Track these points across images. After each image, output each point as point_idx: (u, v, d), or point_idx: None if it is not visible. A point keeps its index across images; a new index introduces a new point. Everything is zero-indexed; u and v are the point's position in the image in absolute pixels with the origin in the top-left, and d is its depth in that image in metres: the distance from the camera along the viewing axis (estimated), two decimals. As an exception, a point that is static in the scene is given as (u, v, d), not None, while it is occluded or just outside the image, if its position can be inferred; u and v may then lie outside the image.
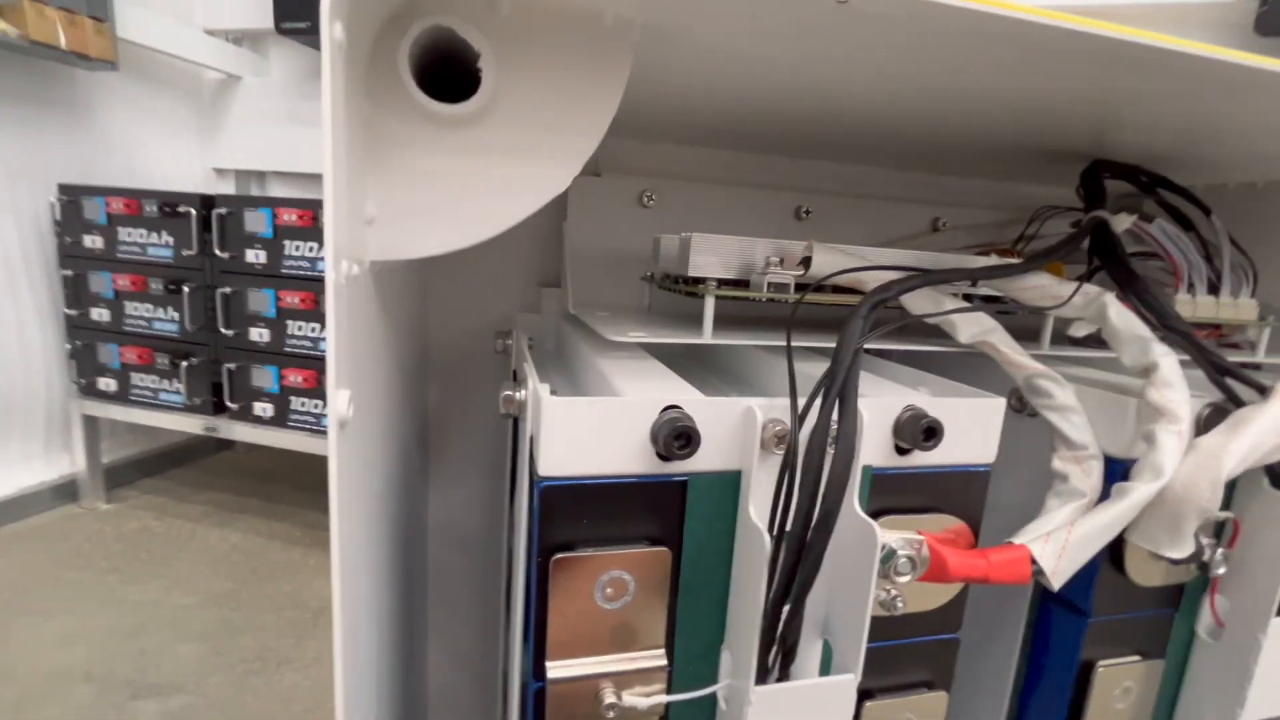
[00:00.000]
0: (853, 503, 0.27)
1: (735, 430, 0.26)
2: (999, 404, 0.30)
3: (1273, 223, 0.53)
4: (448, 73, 0.24)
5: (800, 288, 0.35)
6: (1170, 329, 0.34)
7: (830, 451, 0.25)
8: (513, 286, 0.53)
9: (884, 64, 0.31)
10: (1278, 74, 0.28)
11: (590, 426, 0.25)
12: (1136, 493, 0.30)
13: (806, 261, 0.35)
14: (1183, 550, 0.31)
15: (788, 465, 0.24)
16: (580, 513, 0.26)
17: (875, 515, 0.30)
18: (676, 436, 0.25)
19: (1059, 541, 0.29)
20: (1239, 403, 0.33)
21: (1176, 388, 0.31)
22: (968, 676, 0.42)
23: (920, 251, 0.38)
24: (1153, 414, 0.31)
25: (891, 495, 0.30)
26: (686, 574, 0.27)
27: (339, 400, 0.18)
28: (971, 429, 0.30)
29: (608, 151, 0.52)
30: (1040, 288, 0.36)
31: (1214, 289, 0.44)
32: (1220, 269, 0.45)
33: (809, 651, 0.30)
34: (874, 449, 0.29)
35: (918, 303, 0.35)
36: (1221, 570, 0.33)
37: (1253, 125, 0.39)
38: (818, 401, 0.25)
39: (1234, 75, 0.29)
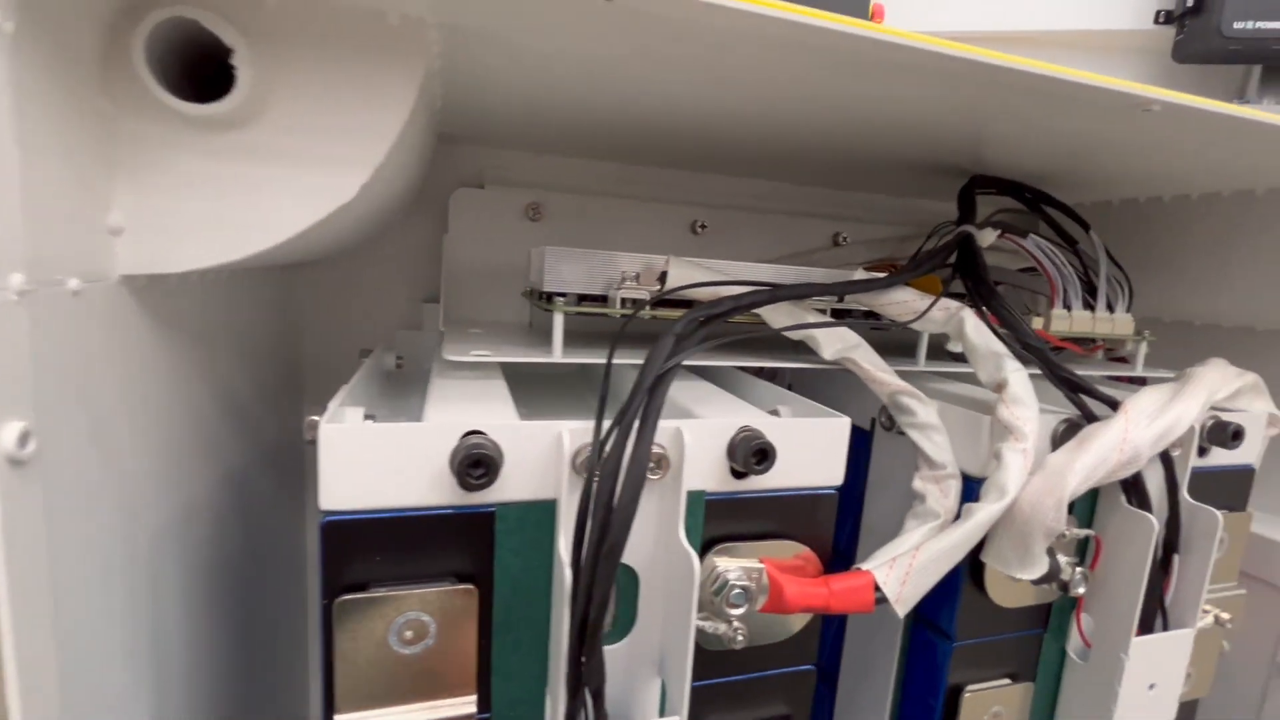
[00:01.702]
0: (677, 532, 0.26)
1: (547, 456, 0.25)
2: (843, 424, 0.29)
3: (1156, 237, 0.54)
4: (221, 72, 0.22)
5: (661, 303, 0.34)
6: (1025, 345, 0.34)
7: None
8: (396, 301, 0.51)
9: (722, 73, 0.30)
10: (1128, 94, 0.28)
11: (380, 455, 0.23)
12: (980, 514, 0.29)
13: (664, 276, 0.34)
14: (1033, 571, 0.30)
15: (586, 494, 0.22)
16: (371, 550, 0.24)
17: (712, 543, 0.28)
18: (473, 464, 0.23)
19: (904, 567, 0.28)
20: (1091, 418, 0.33)
21: (1025, 404, 0.30)
22: (850, 707, 0.40)
23: (789, 266, 0.37)
24: (1002, 432, 0.31)
25: (729, 521, 0.28)
26: (501, 613, 0.25)
27: (5, 435, 0.16)
28: (815, 450, 0.29)
29: (493, 162, 0.50)
30: (903, 303, 0.35)
31: (1091, 305, 0.45)
32: (1116, 284, 0.45)
33: (647, 692, 0.28)
34: (707, 473, 0.27)
35: (777, 318, 0.34)
36: (1081, 590, 0.33)
37: (1122, 145, 0.39)
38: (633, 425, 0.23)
39: (1092, 97, 0.28)
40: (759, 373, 0.44)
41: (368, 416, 0.27)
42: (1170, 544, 0.35)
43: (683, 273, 0.34)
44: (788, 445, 0.28)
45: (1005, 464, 0.29)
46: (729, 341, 0.35)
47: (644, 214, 0.52)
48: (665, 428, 0.26)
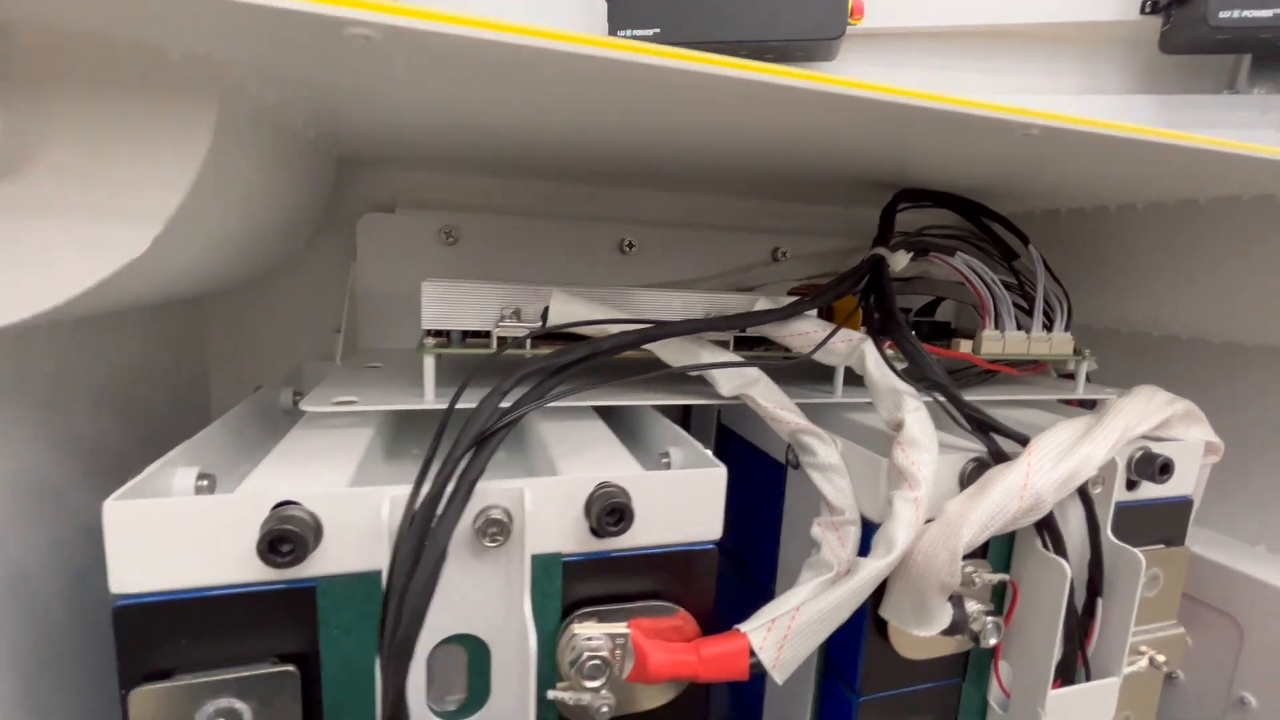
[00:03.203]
0: (522, 603, 0.24)
1: (372, 526, 0.23)
2: (718, 474, 0.27)
3: (1105, 246, 0.52)
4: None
5: (549, 338, 0.32)
6: (928, 380, 0.32)
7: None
8: (311, 331, 0.49)
9: (627, 106, 0.27)
10: (1005, 119, 0.26)
11: (179, 532, 0.21)
12: (865, 570, 0.27)
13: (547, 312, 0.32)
14: (931, 626, 0.28)
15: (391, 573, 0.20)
16: (174, 634, 0.22)
17: (574, 608, 0.26)
18: (277, 541, 0.21)
19: (783, 629, 0.26)
20: (1000, 457, 0.30)
21: (921, 448, 0.28)
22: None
23: (697, 295, 0.35)
24: (897, 477, 0.28)
25: (594, 583, 0.26)
26: (331, 694, 0.23)
27: None
28: (690, 503, 0.27)
29: (407, 184, 0.48)
30: (804, 334, 0.33)
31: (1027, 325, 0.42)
32: (1054, 302, 0.43)
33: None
34: (563, 533, 0.25)
35: (671, 355, 0.32)
36: (993, 640, 0.31)
37: (1041, 161, 0.37)
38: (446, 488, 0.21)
39: (972, 124, 0.26)
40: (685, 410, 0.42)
41: (203, 476, 0.26)
42: (1094, 587, 0.33)
43: (566, 308, 0.32)
44: (657, 499, 0.26)
45: (895, 514, 0.27)
46: (647, 376, 0.33)
47: (568, 234, 0.50)
48: (507, 489, 0.24)
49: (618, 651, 0.26)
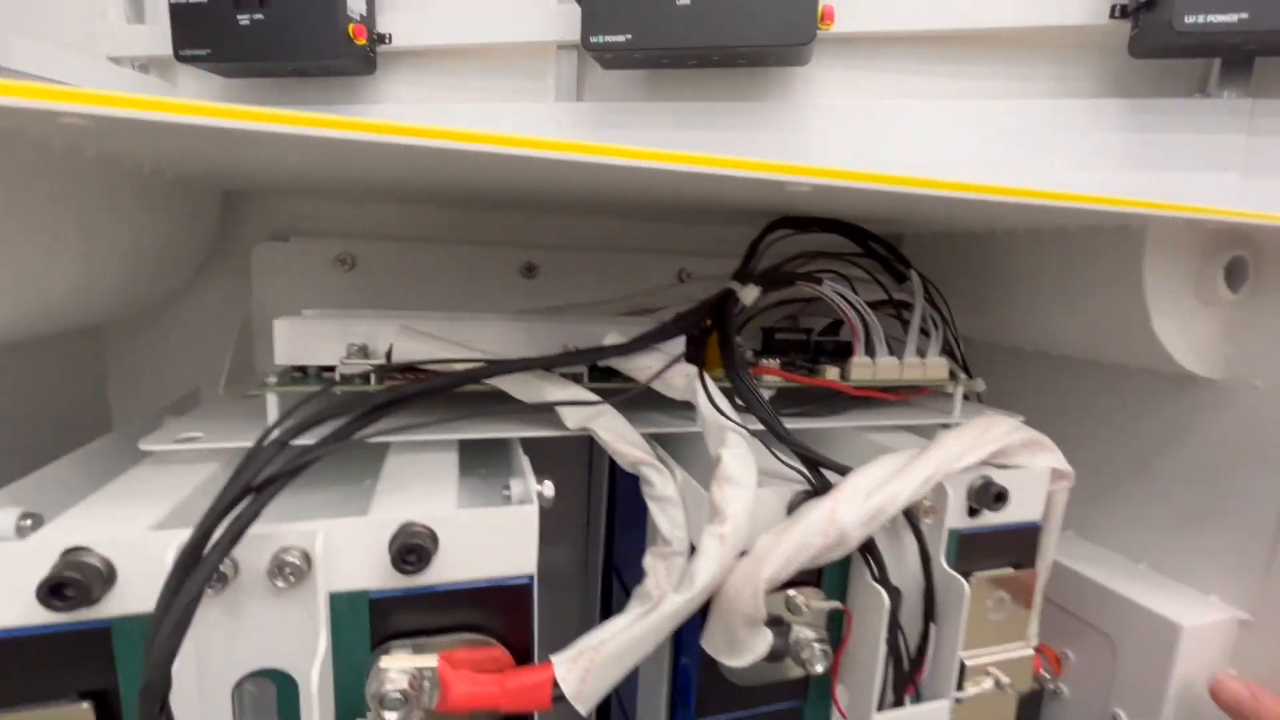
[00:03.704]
0: (317, 640, 0.25)
1: (163, 568, 0.24)
2: (528, 512, 0.28)
3: (994, 267, 0.53)
4: None
5: (393, 374, 0.33)
6: (757, 415, 0.33)
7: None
8: (217, 357, 0.50)
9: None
10: (770, 179, 0.26)
11: (-27, 575, 0.22)
12: (666, 606, 0.28)
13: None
14: (743, 658, 0.29)
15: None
16: (-30, 673, 0.23)
17: (387, 640, 0.27)
18: (57, 587, 0.22)
19: (586, 661, 0.27)
20: (824, 489, 0.31)
21: (735, 483, 0.29)
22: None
23: (549, 324, 0.36)
24: (711, 512, 0.29)
25: (407, 617, 0.27)
26: (133, 728, 0.25)
27: None
28: (502, 539, 0.28)
29: (304, 212, 0.49)
30: (645, 367, 0.34)
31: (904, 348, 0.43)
32: (930, 326, 0.44)
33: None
34: (370, 571, 0.26)
35: (516, 388, 0.33)
36: (820, 667, 0.32)
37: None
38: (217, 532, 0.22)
39: (743, 186, 0.27)
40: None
41: (27, 517, 0.27)
42: (928, 613, 0.34)
43: (409, 345, 0.33)
44: (468, 536, 0.27)
45: (702, 550, 0.28)
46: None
47: (470, 258, 0.51)
48: (301, 532, 0.25)
49: (425, 683, 0.27)
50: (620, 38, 0.49)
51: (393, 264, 0.50)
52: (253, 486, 0.23)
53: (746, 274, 0.38)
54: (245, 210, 0.48)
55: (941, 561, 0.34)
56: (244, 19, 0.45)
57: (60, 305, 0.33)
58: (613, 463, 0.49)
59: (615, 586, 0.50)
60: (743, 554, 0.30)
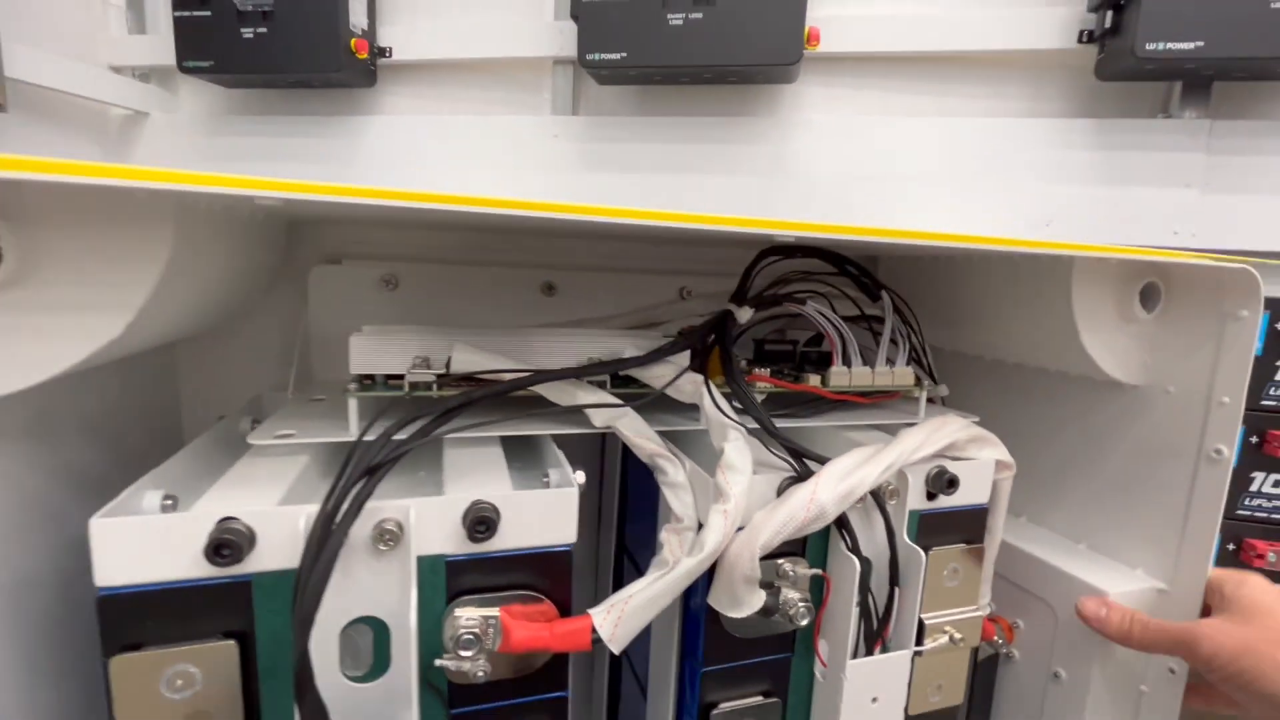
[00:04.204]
0: (409, 593, 0.32)
1: (295, 534, 0.30)
2: (569, 494, 0.35)
3: (960, 286, 0.60)
4: None
5: (451, 382, 0.40)
6: (752, 415, 0.40)
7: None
8: (273, 366, 0.56)
9: None
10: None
11: (149, 540, 0.29)
12: (680, 567, 0.35)
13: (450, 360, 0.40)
14: (741, 610, 0.36)
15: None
16: (143, 616, 0.29)
17: (459, 595, 0.34)
18: (219, 547, 0.29)
19: (618, 612, 0.34)
20: (806, 476, 0.38)
21: (735, 470, 0.36)
22: (646, 720, 0.46)
23: (579, 338, 0.43)
24: (716, 493, 0.36)
25: (474, 577, 0.34)
26: (266, 661, 0.31)
27: None
28: (547, 515, 0.35)
29: (353, 238, 0.56)
30: (660, 376, 0.41)
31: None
32: (899, 339, 0.51)
33: None
34: (446, 539, 0.33)
35: (553, 394, 0.40)
36: (804, 621, 0.38)
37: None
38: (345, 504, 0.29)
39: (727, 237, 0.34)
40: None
41: (169, 497, 0.33)
42: (893, 578, 0.41)
43: (465, 357, 0.39)
44: (522, 513, 0.34)
45: (709, 524, 0.35)
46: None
47: (497, 278, 0.58)
48: (397, 506, 0.32)
49: (490, 630, 0.33)
50: (615, 55, 0.52)
51: (430, 283, 0.56)
52: (364, 472, 0.29)
53: (742, 296, 0.46)
54: (304, 237, 0.54)
55: (904, 536, 0.41)
56: (248, 32, 0.48)
57: (170, 327, 0.40)
58: (625, 459, 0.56)
59: (627, 566, 0.56)
60: (741, 528, 0.37)
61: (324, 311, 0.54)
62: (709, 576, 0.37)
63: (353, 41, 0.52)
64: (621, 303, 0.62)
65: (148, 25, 0.61)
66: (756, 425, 0.40)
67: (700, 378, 0.41)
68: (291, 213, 0.49)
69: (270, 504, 0.31)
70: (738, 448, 0.37)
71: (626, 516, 0.56)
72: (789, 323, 0.63)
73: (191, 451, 0.39)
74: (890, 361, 0.51)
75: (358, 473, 0.29)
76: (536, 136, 0.59)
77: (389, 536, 0.31)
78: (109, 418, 0.43)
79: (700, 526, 0.38)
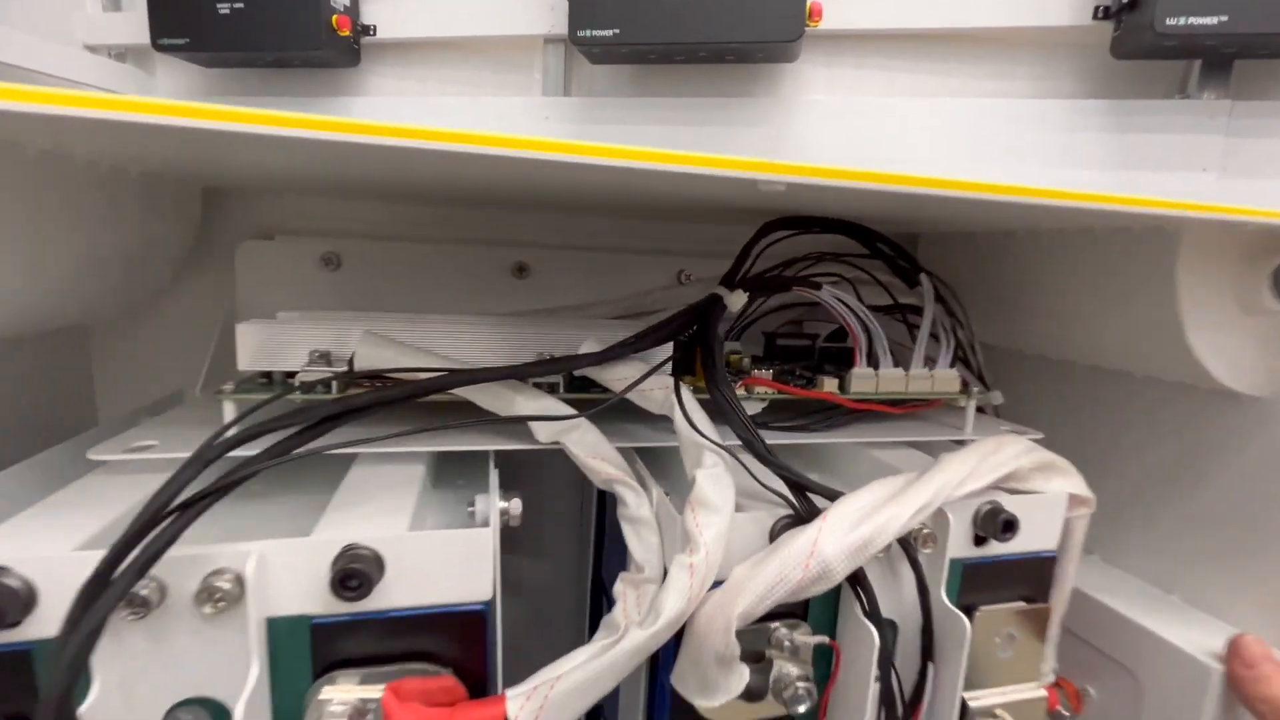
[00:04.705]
0: (249, 668, 0.23)
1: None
2: (483, 536, 0.26)
3: (1017, 270, 0.49)
4: None
5: (356, 382, 0.32)
6: (736, 432, 0.30)
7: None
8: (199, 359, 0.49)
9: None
10: (744, 178, 0.24)
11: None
12: (628, 640, 0.25)
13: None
14: (713, 699, 0.27)
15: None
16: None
17: (332, 668, 0.26)
18: (-30, 610, 0.21)
19: (540, 698, 0.25)
20: (809, 516, 0.29)
21: (709, 508, 0.27)
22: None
23: (527, 326, 0.34)
24: (682, 539, 0.27)
25: (352, 645, 0.26)
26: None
27: None
28: (450, 564, 0.26)
29: (291, 210, 0.48)
30: (622, 379, 0.32)
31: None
32: (941, 334, 0.41)
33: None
34: (312, 595, 0.25)
35: (485, 398, 0.31)
36: (803, 707, 0.29)
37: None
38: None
39: (721, 185, 0.25)
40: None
41: (-34, 529, 0.26)
42: (926, 651, 0.31)
43: (372, 352, 0.31)
44: (417, 560, 0.25)
45: (670, 580, 0.26)
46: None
47: (458, 258, 0.50)
48: (235, 553, 0.23)
49: (370, 716, 0.25)
50: (608, 32, 0.47)
51: (380, 264, 0.48)
52: (176, 506, 0.21)
53: (735, 278, 0.36)
54: (230, 207, 0.47)
55: (941, 595, 0.31)
56: (224, 7, 0.44)
57: (33, 306, 0.32)
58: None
59: (604, 605, 0.48)
60: (717, 584, 0.27)
61: (253, 294, 0.46)
62: (677, 642, 0.28)
63: (334, 18, 0.47)
64: (607, 288, 0.53)
65: (123, 3, 0.56)
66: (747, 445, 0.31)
67: (670, 381, 0.31)
68: (203, 176, 0.41)
69: (64, 548, 0.23)
70: (713, 477, 0.28)
71: (603, 547, 0.47)
72: (808, 313, 0.53)
73: (38, 465, 0.31)
74: (930, 362, 0.41)
75: (153, 509, 0.21)
76: (528, 118, 0.53)
77: (219, 596, 0.23)
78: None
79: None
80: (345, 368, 0.31)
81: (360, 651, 0.26)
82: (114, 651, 0.23)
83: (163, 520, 0.21)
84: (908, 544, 0.29)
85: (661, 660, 0.31)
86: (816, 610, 0.31)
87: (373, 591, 0.25)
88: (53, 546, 0.23)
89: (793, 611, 0.30)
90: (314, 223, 0.48)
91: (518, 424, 0.33)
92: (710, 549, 0.26)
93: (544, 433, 0.32)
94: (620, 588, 0.29)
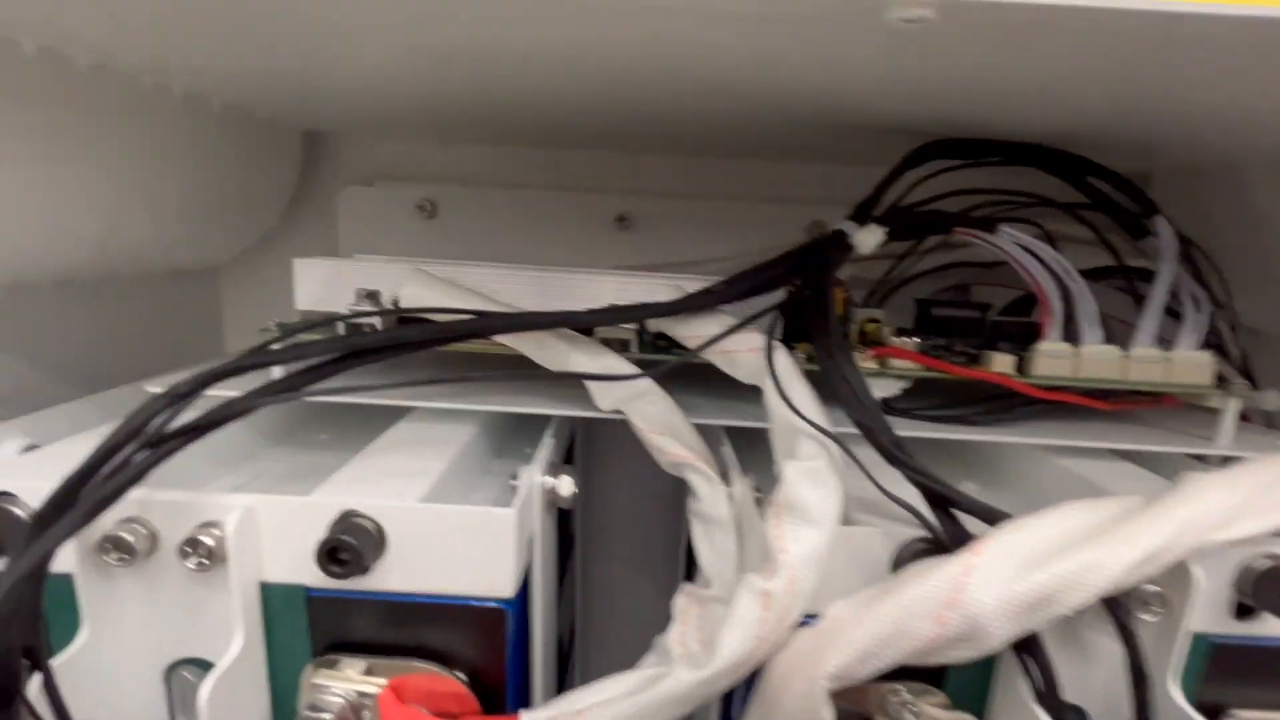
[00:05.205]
0: (237, 634, 0.20)
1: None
2: (504, 518, 0.21)
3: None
4: None
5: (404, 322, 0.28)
6: (851, 415, 0.22)
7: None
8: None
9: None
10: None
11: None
12: (668, 683, 0.19)
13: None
14: (788, 779, 0.19)
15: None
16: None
17: (333, 648, 0.22)
18: (-31, 534, 0.20)
19: (557, 733, 0.19)
20: (956, 541, 0.20)
21: (797, 518, 0.19)
22: None
23: (608, 277, 0.29)
24: (763, 554, 0.20)
25: (354, 627, 0.22)
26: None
27: None
28: (469, 550, 0.21)
29: (389, 155, 0.47)
30: (701, 337, 0.25)
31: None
32: (1187, 305, 0.29)
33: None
34: (306, 565, 0.21)
35: (534, 348, 0.26)
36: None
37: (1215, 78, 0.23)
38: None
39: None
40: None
41: (30, 448, 0.26)
42: (1137, 766, 0.20)
43: (419, 291, 0.27)
44: (427, 538, 0.21)
45: (734, 611, 0.19)
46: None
47: (556, 206, 0.45)
48: (217, 504, 0.20)
49: (365, 713, 0.21)
50: None
51: (474, 212, 0.45)
52: (150, 441, 0.18)
53: (869, 210, 0.27)
54: (332, 152, 0.46)
55: (1171, 688, 0.20)
56: None
57: (148, 244, 0.33)
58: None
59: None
60: (809, 619, 0.19)
61: (355, 241, 0.45)
62: (748, 687, 0.21)
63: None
64: (722, 243, 0.45)
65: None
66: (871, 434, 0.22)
67: (763, 340, 0.24)
68: (304, 115, 0.40)
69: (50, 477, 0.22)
70: (811, 474, 0.20)
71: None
72: (981, 275, 0.41)
73: (113, 398, 0.32)
74: (1163, 342, 0.28)
75: (119, 438, 0.18)
76: None
77: (204, 551, 0.20)
78: (122, 351, 0.38)
79: (740, 600, 0.22)
80: (392, 308, 0.28)
81: (365, 635, 0.22)
82: (104, 597, 0.21)
83: (134, 453, 0.18)
84: (1118, 606, 0.19)
85: (734, 701, 0.24)
86: (959, 675, 0.22)
87: (372, 569, 0.21)
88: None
89: (921, 671, 0.21)
90: (412, 168, 0.46)
91: (578, 387, 0.27)
92: (797, 573, 0.19)
93: (605, 398, 0.26)
94: (681, 603, 0.23)
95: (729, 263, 0.44)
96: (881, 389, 0.29)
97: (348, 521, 0.20)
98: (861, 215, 0.27)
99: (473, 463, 0.28)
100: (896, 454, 0.20)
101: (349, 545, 0.20)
